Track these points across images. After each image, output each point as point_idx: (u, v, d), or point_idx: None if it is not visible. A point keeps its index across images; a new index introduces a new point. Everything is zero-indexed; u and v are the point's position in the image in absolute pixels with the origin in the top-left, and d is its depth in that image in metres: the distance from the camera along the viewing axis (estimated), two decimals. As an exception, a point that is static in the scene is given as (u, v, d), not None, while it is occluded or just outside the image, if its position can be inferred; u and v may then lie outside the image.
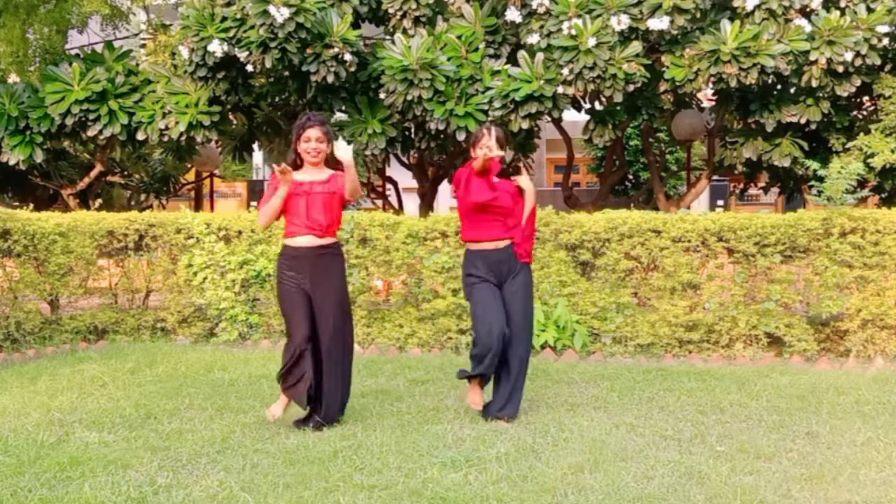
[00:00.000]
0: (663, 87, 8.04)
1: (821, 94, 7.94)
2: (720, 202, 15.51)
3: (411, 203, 11.35)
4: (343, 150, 4.38)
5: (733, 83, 7.44)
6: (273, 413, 4.52)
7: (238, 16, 7.52)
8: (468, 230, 4.72)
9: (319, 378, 4.47)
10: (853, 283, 6.46)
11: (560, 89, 7.58)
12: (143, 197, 12.30)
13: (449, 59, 7.80)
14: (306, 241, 4.49)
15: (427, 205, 10.06)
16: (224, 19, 7.60)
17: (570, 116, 9.09)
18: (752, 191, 11.84)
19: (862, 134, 8.10)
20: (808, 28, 7.50)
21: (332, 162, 4.56)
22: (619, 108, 8.37)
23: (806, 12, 7.74)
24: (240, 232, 7.30)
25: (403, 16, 8.17)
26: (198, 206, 12.94)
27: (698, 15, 7.56)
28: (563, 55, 7.41)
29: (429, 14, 8.19)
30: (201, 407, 4.93)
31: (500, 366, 4.64)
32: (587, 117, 8.70)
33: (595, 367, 6.09)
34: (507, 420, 4.59)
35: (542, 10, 7.65)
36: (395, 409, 4.89)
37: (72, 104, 8.38)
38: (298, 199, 4.48)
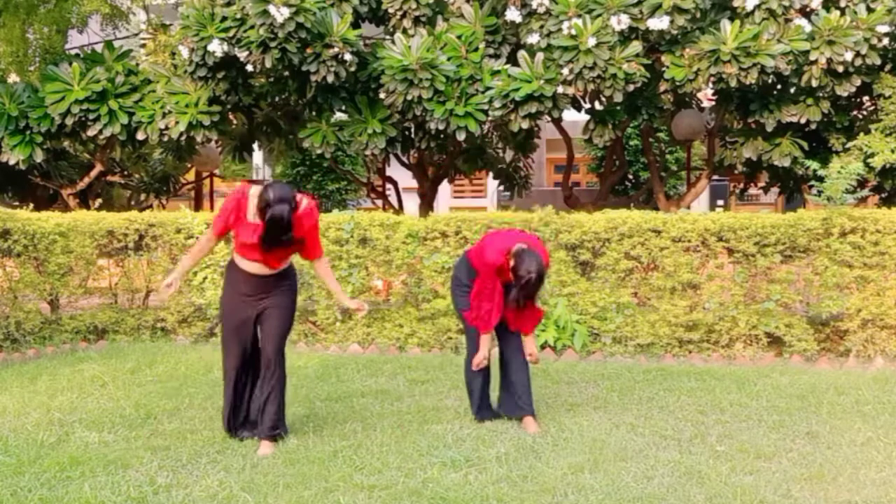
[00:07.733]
0: (663, 87, 8.04)
1: (821, 94, 7.94)
2: (720, 202, 15.47)
3: (411, 203, 11.34)
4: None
5: (733, 83, 7.44)
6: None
7: (238, 16, 7.52)
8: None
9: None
10: (853, 282, 6.46)
11: (560, 89, 7.57)
12: (143, 197, 12.28)
13: (449, 59, 7.80)
14: (257, 268, 4.18)
15: (427, 205, 10.07)
16: (224, 19, 7.59)
17: (570, 116, 9.08)
18: (752, 191, 11.83)
19: (862, 134, 8.10)
20: (808, 28, 7.51)
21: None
22: (619, 108, 8.37)
23: (806, 12, 7.74)
24: (240, 232, 7.30)
25: (403, 16, 8.17)
26: (198, 206, 12.91)
27: (698, 15, 7.56)
28: (563, 55, 7.41)
29: (429, 14, 8.19)
30: (201, 407, 4.93)
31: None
32: (587, 117, 8.70)
33: (595, 367, 6.09)
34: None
35: (542, 9, 7.65)
36: (395, 409, 4.89)
37: (72, 104, 8.37)
38: (254, 236, 4.05)
